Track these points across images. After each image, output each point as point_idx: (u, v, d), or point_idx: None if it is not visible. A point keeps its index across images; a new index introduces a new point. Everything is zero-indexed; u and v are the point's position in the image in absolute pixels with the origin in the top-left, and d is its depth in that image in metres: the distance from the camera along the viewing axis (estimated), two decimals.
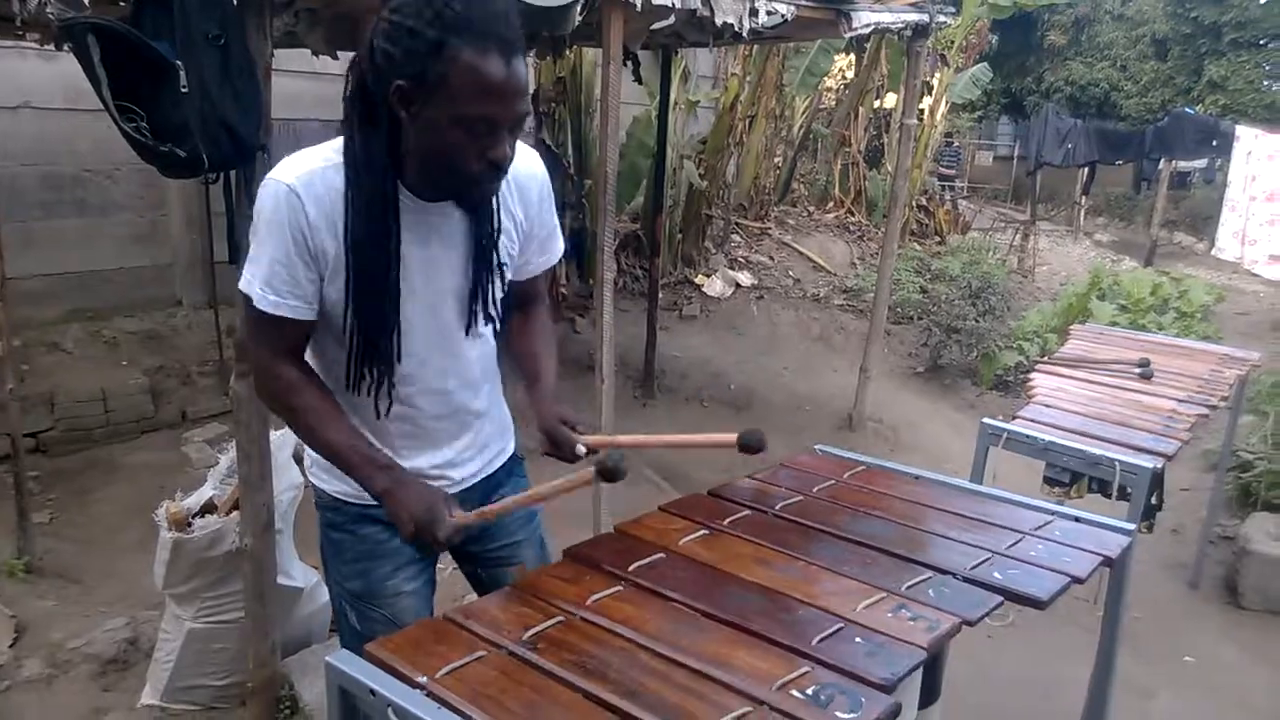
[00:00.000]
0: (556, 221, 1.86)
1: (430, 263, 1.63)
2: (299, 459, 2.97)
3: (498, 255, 1.69)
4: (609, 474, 1.49)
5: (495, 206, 1.66)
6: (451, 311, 1.69)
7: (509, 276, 1.76)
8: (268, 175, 1.56)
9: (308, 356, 1.67)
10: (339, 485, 1.76)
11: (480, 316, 1.72)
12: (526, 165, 1.73)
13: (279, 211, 1.51)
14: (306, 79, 5.83)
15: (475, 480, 1.85)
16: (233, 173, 2.36)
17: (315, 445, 1.63)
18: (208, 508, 2.79)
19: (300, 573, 2.95)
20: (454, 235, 1.65)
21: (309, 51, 4.75)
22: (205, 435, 4.91)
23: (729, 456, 5.28)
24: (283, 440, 2.81)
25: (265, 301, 1.54)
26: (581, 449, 1.72)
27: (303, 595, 2.94)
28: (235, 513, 2.68)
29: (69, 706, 2.91)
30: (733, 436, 1.65)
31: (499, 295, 1.74)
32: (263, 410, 2.60)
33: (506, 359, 1.87)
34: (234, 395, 2.56)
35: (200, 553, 2.67)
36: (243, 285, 1.57)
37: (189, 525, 2.69)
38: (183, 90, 2.10)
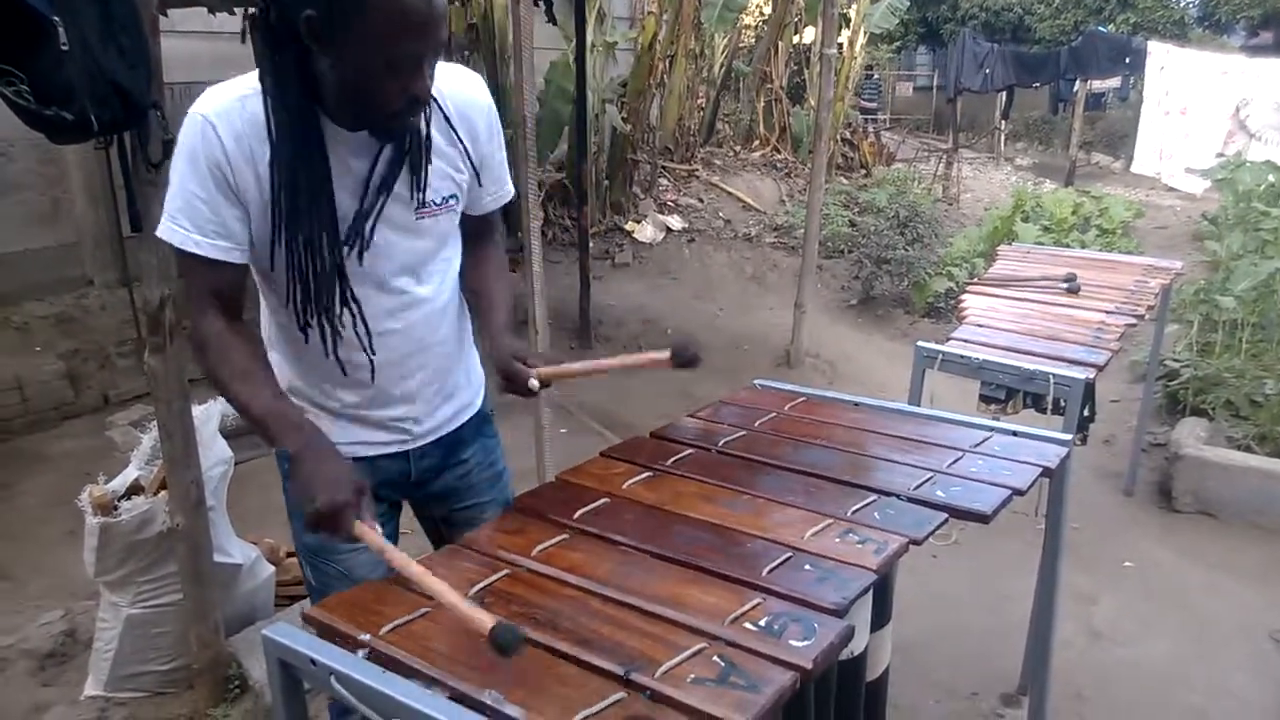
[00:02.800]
0: (505, 155, 1.75)
1: (360, 187, 1.52)
2: (227, 432, 2.88)
3: (422, 181, 1.57)
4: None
5: (417, 135, 1.54)
6: (381, 232, 1.57)
7: (460, 210, 1.67)
8: (192, 111, 1.45)
9: (262, 311, 1.60)
10: None
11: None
12: (468, 91, 1.64)
13: (194, 144, 1.43)
14: (204, 39, 5.58)
15: (440, 434, 1.77)
16: (127, 135, 2.24)
17: (231, 402, 1.50)
18: (134, 489, 2.68)
19: (238, 549, 2.86)
20: (378, 153, 1.53)
21: (205, 10, 4.53)
22: (130, 417, 4.72)
23: (673, 401, 5.28)
24: (207, 414, 2.71)
25: (188, 241, 1.44)
26: (534, 383, 1.63)
27: (242, 571, 2.86)
28: (163, 492, 2.59)
29: (8, 705, 2.81)
30: (665, 354, 1.60)
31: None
32: (183, 385, 2.50)
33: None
34: (150, 371, 2.45)
35: (130, 536, 2.58)
36: (161, 230, 1.46)
37: (115, 509, 2.58)
38: (63, 48, 1.97)
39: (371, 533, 1.38)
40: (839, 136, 11.13)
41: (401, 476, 1.77)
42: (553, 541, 1.46)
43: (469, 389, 1.83)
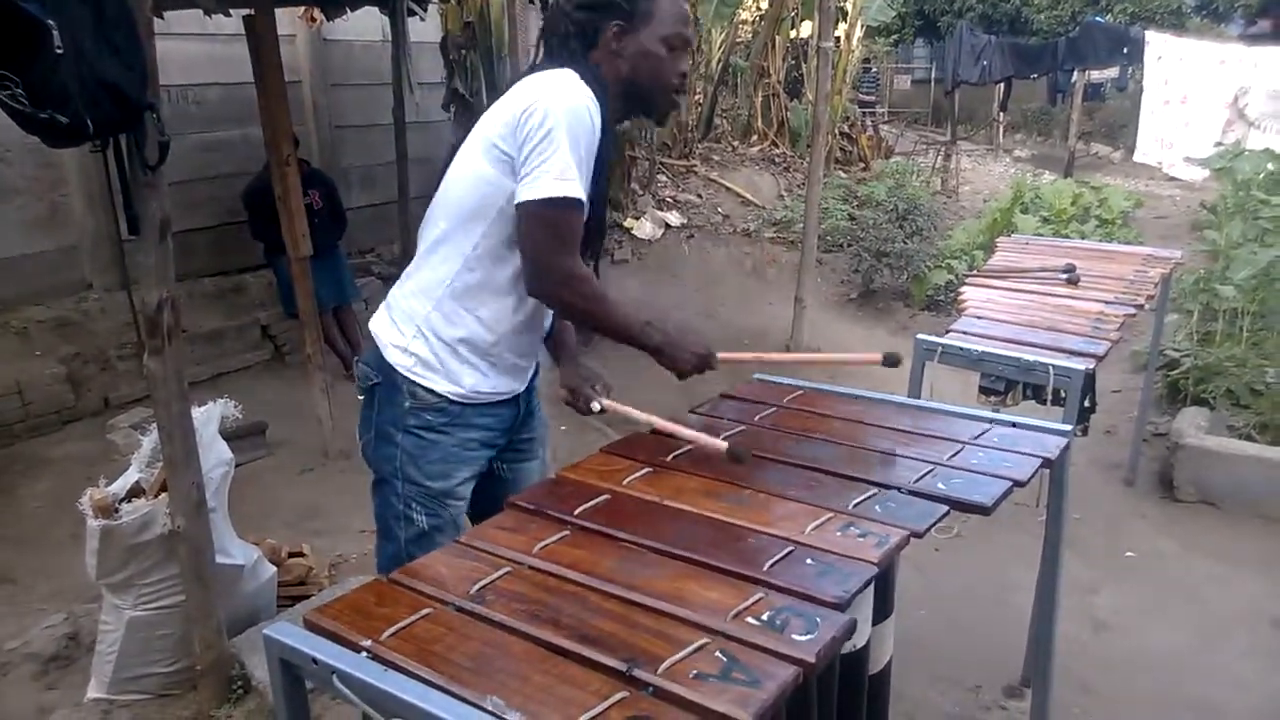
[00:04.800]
0: None
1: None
2: (227, 434, 2.88)
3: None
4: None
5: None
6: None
7: None
8: (567, 91, 1.72)
9: (486, 268, 1.86)
10: (450, 386, 1.89)
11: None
12: None
13: (586, 124, 1.72)
14: (201, 41, 5.57)
15: (532, 378, 2.09)
16: (123, 138, 2.23)
17: (610, 326, 1.86)
18: (134, 492, 2.68)
19: (240, 550, 2.87)
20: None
21: (201, 11, 4.50)
22: (130, 420, 4.72)
23: (674, 396, 5.28)
24: (207, 416, 2.71)
25: (583, 194, 1.73)
26: (597, 406, 2.01)
27: (244, 572, 2.86)
28: (164, 495, 2.59)
29: (12, 708, 2.82)
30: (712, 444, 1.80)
31: None
32: (183, 387, 2.50)
33: None
34: (149, 373, 2.45)
35: (131, 539, 2.58)
36: (566, 190, 1.70)
37: (116, 512, 2.58)
38: (57, 51, 1.96)
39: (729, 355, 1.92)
40: (837, 130, 11.11)
41: (513, 420, 2.04)
42: (554, 538, 1.46)
43: None
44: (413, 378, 1.89)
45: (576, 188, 1.71)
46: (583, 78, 1.76)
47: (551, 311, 2.01)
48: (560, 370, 2.10)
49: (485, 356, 1.90)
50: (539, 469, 2.16)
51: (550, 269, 1.77)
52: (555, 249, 1.75)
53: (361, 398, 2.00)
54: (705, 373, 1.90)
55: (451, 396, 1.90)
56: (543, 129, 1.68)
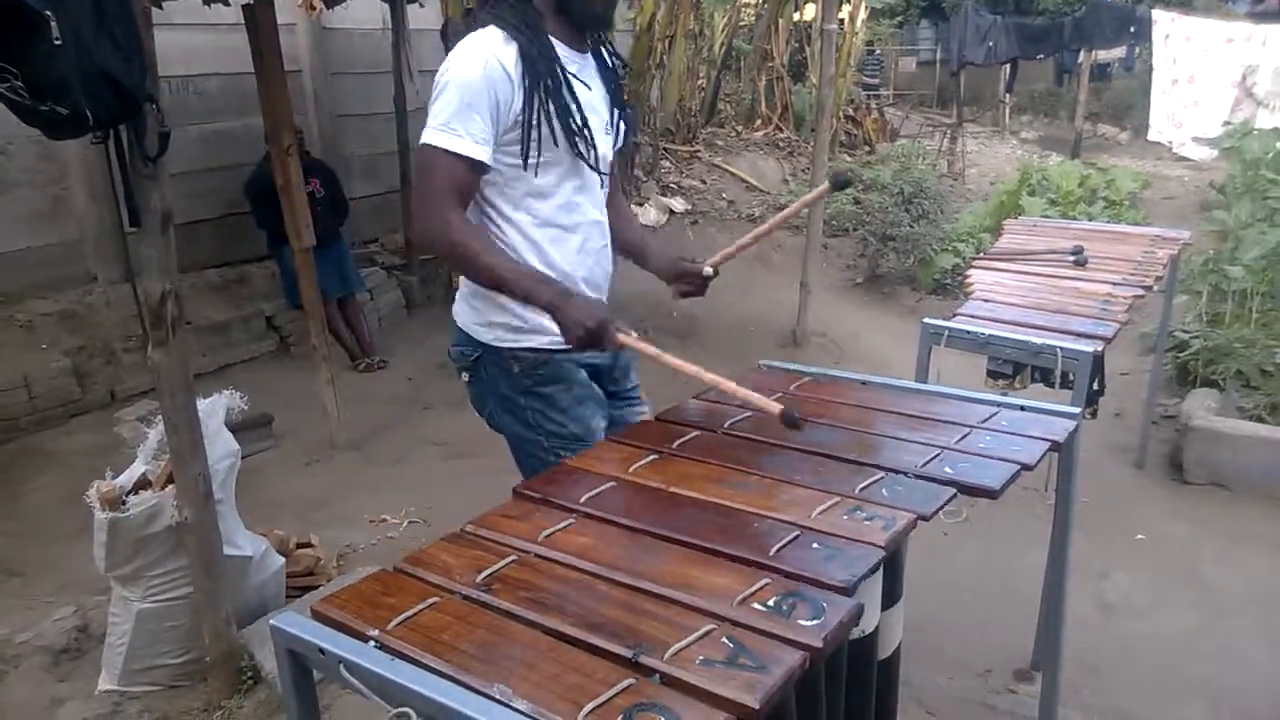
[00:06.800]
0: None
1: (589, 103, 1.91)
2: (233, 426, 2.88)
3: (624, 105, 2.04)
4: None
5: (618, 64, 2.06)
6: (603, 147, 1.99)
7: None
8: (463, 48, 1.80)
9: (506, 220, 1.92)
10: (542, 339, 1.94)
11: (614, 153, 2.06)
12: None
13: (480, 74, 1.76)
14: (202, 30, 5.55)
15: None
16: (123, 129, 2.22)
17: (485, 274, 1.82)
18: (141, 484, 2.68)
19: (247, 541, 2.87)
20: (598, 82, 1.98)
21: (199, 1, 4.49)
22: (137, 413, 4.72)
23: (678, 383, 5.26)
24: (212, 407, 2.71)
25: (464, 145, 1.76)
26: (709, 270, 2.13)
27: (252, 563, 2.87)
28: (171, 486, 2.59)
29: (24, 701, 2.83)
30: (823, 186, 2.19)
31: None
32: (187, 378, 2.50)
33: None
34: (154, 365, 2.45)
35: (138, 530, 2.58)
36: (434, 138, 1.76)
37: (123, 504, 2.59)
38: (56, 42, 1.95)
39: (632, 338, 1.75)
40: (842, 114, 11.07)
41: (607, 368, 2.12)
42: (559, 526, 1.45)
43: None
44: (508, 345, 1.97)
45: (447, 137, 1.76)
46: (509, 20, 1.81)
47: (599, 231, 2.04)
48: (657, 268, 2.19)
49: None
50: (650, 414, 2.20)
51: (417, 212, 1.83)
52: (422, 193, 1.81)
53: (465, 377, 2.08)
54: (606, 349, 1.81)
55: (549, 347, 1.94)
56: (438, 86, 1.79)
